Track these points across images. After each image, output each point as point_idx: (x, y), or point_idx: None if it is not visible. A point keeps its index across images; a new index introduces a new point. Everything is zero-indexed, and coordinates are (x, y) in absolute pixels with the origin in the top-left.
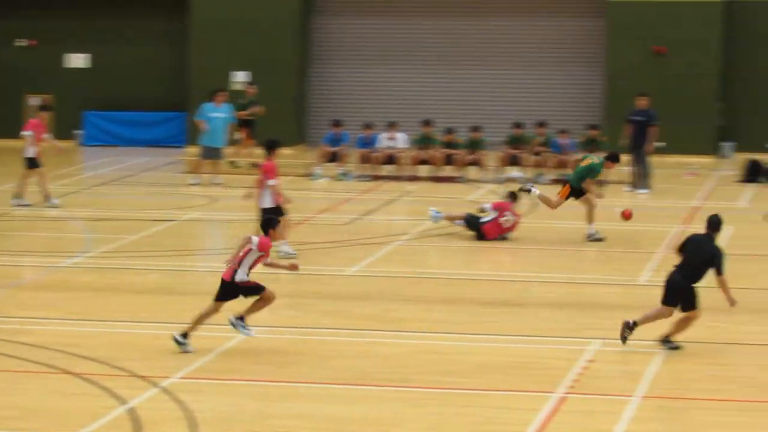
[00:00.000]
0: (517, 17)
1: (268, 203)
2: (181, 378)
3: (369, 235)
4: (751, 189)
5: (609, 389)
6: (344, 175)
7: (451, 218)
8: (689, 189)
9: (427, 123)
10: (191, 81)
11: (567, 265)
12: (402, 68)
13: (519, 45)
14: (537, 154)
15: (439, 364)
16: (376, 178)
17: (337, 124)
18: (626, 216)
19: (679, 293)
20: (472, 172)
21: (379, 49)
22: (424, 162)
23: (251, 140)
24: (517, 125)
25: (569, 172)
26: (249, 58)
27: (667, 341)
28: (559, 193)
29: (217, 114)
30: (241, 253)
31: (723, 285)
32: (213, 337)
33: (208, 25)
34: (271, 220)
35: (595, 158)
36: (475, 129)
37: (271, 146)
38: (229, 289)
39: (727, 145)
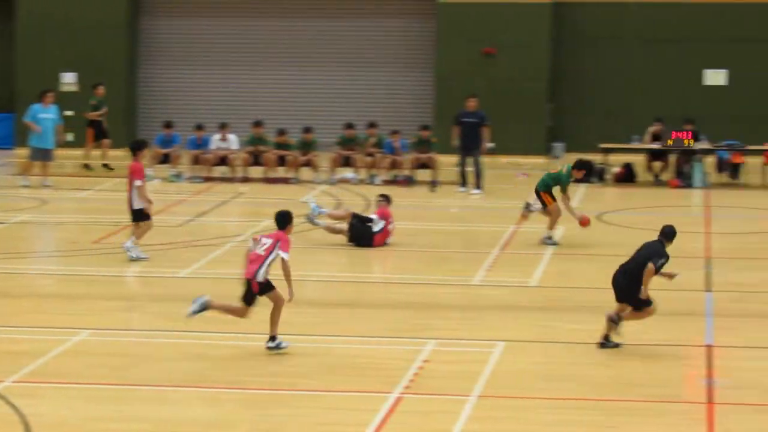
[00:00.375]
0: (347, 18)
1: (138, 204)
2: (14, 382)
3: (202, 236)
4: (582, 189)
5: (445, 389)
6: (176, 177)
7: (334, 217)
8: (522, 189)
9: (258, 124)
10: (18, 82)
11: (403, 266)
12: (233, 69)
13: (350, 46)
14: (370, 155)
15: (276, 365)
16: (209, 179)
17: (167, 125)
18: (583, 223)
19: (622, 292)
20: (305, 173)
21: (209, 49)
22: (256, 163)
23: (93, 141)
24: (349, 126)
25: (403, 173)
26: (77, 59)
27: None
28: (547, 203)
29: (45, 115)
30: (263, 252)
31: (648, 275)
32: (46, 340)
33: (35, 25)
34: (287, 214)
35: (564, 167)
36: (307, 130)
37: (136, 147)
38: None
39: (557, 146)
